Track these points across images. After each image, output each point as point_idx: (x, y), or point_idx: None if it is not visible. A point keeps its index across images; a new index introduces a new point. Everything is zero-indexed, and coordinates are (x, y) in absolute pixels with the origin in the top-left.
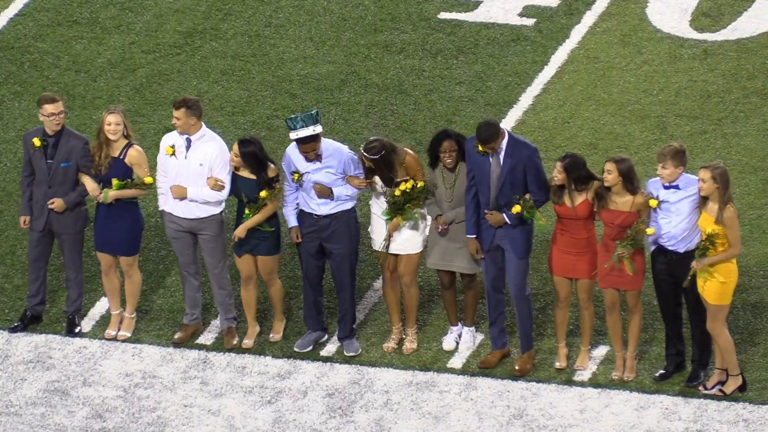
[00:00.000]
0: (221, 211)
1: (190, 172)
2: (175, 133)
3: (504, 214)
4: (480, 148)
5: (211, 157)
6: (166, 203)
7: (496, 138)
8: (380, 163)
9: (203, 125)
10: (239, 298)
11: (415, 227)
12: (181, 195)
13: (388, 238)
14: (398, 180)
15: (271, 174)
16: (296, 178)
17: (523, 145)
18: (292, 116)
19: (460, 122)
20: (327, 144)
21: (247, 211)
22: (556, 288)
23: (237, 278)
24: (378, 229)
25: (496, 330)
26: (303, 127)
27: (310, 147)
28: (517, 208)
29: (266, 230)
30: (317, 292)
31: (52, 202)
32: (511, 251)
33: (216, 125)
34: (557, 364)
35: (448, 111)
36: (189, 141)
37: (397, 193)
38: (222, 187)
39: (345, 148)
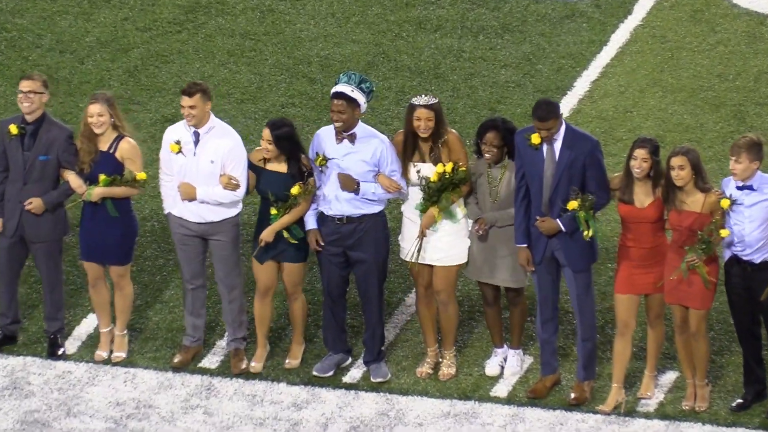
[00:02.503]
0: (238, 213)
1: (200, 171)
2: (179, 125)
3: (558, 221)
4: (533, 140)
5: (224, 153)
6: (174, 206)
7: (556, 117)
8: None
9: (212, 115)
10: (251, 314)
11: (452, 219)
12: (190, 195)
13: (421, 237)
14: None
15: (304, 166)
16: (320, 160)
17: (583, 138)
18: (345, 72)
19: (505, 111)
20: (365, 128)
21: (273, 212)
22: (616, 310)
23: (252, 289)
24: (409, 236)
25: (548, 353)
26: (346, 83)
27: (339, 107)
28: (573, 204)
29: (295, 234)
30: (340, 307)
31: (30, 202)
32: (568, 264)
33: (222, 115)
34: (600, 407)
35: (492, 98)
36: (197, 135)
37: (434, 177)
38: (236, 186)
39: (385, 138)
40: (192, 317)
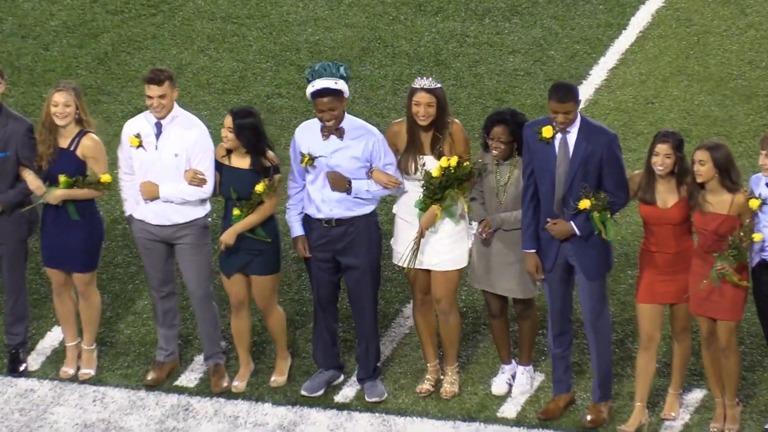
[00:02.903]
0: (206, 214)
1: (163, 166)
2: (140, 117)
3: (572, 223)
4: (544, 133)
5: (189, 145)
6: (136, 208)
7: (576, 102)
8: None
9: (175, 104)
10: (229, 327)
11: (452, 219)
12: (152, 194)
13: (419, 239)
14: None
15: (269, 161)
16: (306, 160)
17: (600, 131)
18: (314, 65)
19: (513, 102)
20: (352, 121)
21: (236, 212)
22: (639, 322)
23: (226, 302)
24: (403, 239)
25: (561, 369)
26: (323, 77)
27: (328, 104)
28: (585, 203)
29: (261, 239)
30: (331, 318)
31: None
32: (581, 271)
33: (202, 106)
34: (621, 428)
35: (498, 88)
36: (159, 126)
37: (436, 172)
38: (203, 181)
39: (375, 130)
40: (163, 329)
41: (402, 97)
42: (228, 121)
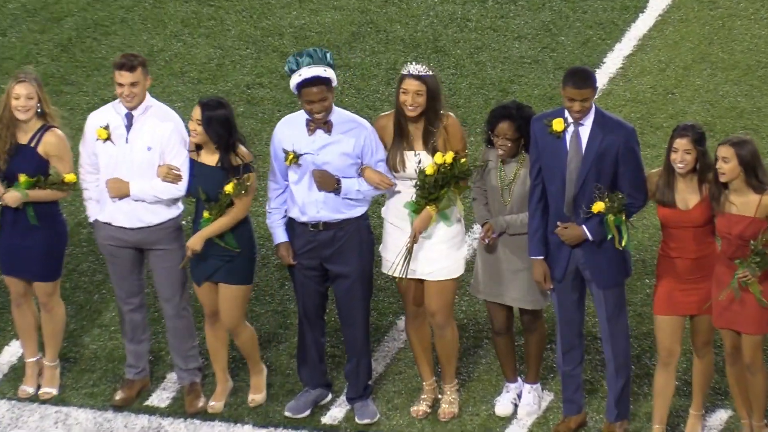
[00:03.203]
0: (180, 214)
1: (135, 162)
2: (106, 109)
3: (584, 227)
4: (554, 127)
5: (163, 138)
6: (102, 210)
7: (594, 89)
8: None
9: (147, 93)
10: (205, 341)
11: (446, 222)
12: (121, 192)
13: (412, 245)
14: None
15: (240, 158)
16: (290, 158)
17: (617, 125)
18: (291, 55)
19: (519, 93)
20: (341, 113)
21: (206, 215)
22: (656, 335)
23: (202, 313)
24: (394, 245)
25: (571, 388)
26: (311, 64)
27: (319, 94)
28: (599, 206)
29: (229, 248)
30: (318, 332)
31: None
32: (594, 281)
33: (176, 97)
34: None
35: (503, 77)
36: (130, 118)
37: (430, 170)
38: (178, 177)
39: (366, 123)
40: (133, 344)
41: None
42: (196, 112)
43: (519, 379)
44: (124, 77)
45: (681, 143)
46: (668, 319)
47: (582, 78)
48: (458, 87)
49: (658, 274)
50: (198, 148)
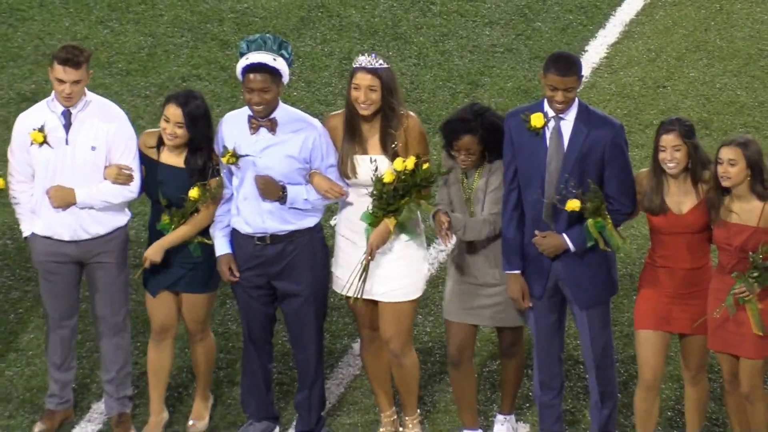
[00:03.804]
0: (127, 223)
1: (78, 164)
2: (39, 108)
3: (565, 236)
4: (533, 122)
5: (109, 135)
6: (36, 223)
7: (579, 76)
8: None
9: (85, 88)
10: (137, 366)
11: (410, 236)
12: (66, 200)
13: (367, 263)
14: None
15: (207, 159)
16: (228, 157)
17: (603, 121)
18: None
19: (490, 86)
20: (288, 111)
21: (165, 220)
22: (639, 353)
23: (139, 333)
24: (346, 261)
25: (550, 420)
26: (261, 50)
27: (260, 83)
28: (574, 204)
29: (193, 252)
30: (264, 357)
31: None
32: (576, 300)
33: (101, 91)
34: None
35: (472, 68)
36: (68, 116)
37: (388, 177)
38: (130, 178)
39: (317, 122)
40: (60, 372)
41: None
42: (174, 112)
43: (500, 414)
44: (68, 74)
45: (668, 139)
46: (652, 334)
47: (567, 64)
48: (421, 79)
49: (641, 284)
50: (159, 144)
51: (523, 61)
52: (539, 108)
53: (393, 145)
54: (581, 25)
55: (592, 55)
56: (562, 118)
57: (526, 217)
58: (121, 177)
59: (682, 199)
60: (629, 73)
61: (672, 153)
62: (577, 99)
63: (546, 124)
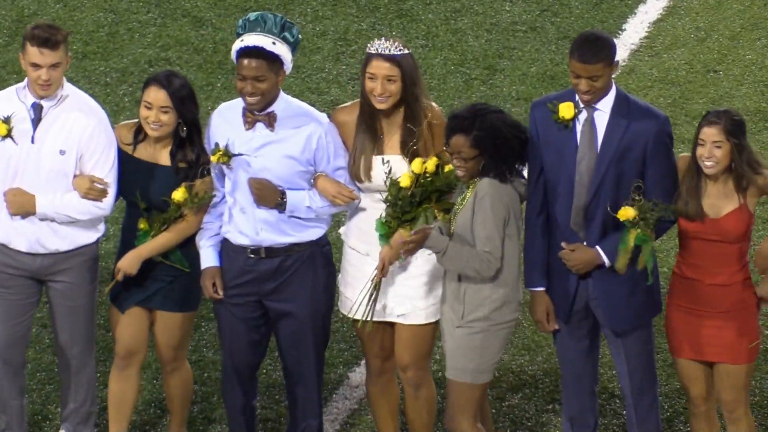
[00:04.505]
0: (97, 240)
1: (42, 168)
2: (8, 94)
3: (598, 248)
4: (562, 113)
5: (82, 138)
6: None
7: (607, 63)
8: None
9: (64, 78)
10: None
11: (427, 257)
12: (23, 208)
13: (379, 280)
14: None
15: (195, 154)
16: (219, 155)
17: (645, 112)
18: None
19: (510, 71)
20: (290, 103)
21: (143, 225)
22: (681, 379)
23: (104, 360)
24: (356, 278)
25: None
26: (259, 31)
27: (255, 70)
28: (628, 212)
29: (177, 266)
30: (249, 392)
31: None
32: (608, 322)
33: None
34: None
35: (489, 50)
36: (38, 109)
37: (405, 181)
38: (103, 193)
39: (323, 117)
40: (7, 414)
41: (349, 64)
42: (156, 96)
43: None
44: (44, 57)
45: (708, 133)
46: (687, 362)
47: (591, 49)
48: (430, 63)
49: (669, 298)
50: (136, 138)
51: (549, 42)
52: (570, 97)
53: (412, 144)
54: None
55: (631, 35)
56: (596, 109)
57: (551, 225)
58: (93, 192)
59: (720, 202)
60: (674, 56)
61: (711, 149)
62: (615, 86)
63: (577, 115)
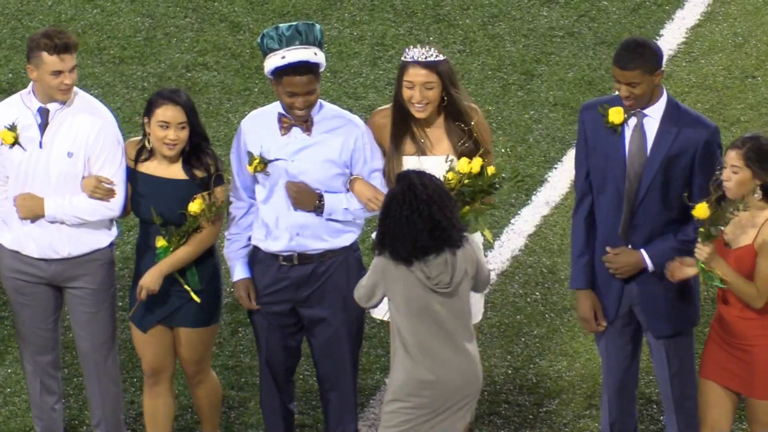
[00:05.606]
0: (111, 243)
1: (51, 172)
2: (14, 101)
3: (643, 252)
4: (611, 117)
5: (89, 140)
6: (5, 235)
7: (648, 71)
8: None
9: None
10: (131, 410)
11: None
12: (33, 212)
13: None
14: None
15: (208, 165)
16: (256, 164)
17: (695, 121)
18: (273, 27)
19: (548, 76)
20: (325, 107)
21: (161, 243)
22: (700, 405)
23: (130, 371)
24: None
25: None
26: (297, 44)
27: (307, 85)
28: (702, 210)
29: (191, 282)
30: (286, 396)
31: None
32: (651, 326)
33: (90, 82)
34: None
35: (527, 55)
36: (45, 114)
37: (451, 177)
38: (110, 192)
39: (359, 120)
40: (43, 420)
41: (386, 69)
42: (174, 114)
43: None
44: (65, 62)
45: (730, 157)
46: (712, 387)
47: (629, 55)
48: (468, 68)
49: (713, 323)
50: (140, 153)
51: (587, 47)
52: (620, 101)
53: (462, 143)
54: (655, 4)
55: (669, 41)
56: (645, 115)
57: (597, 229)
58: (99, 191)
59: (740, 230)
60: (712, 62)
61: (729, 173)
62: (665, 93)
63: (626, 120)
